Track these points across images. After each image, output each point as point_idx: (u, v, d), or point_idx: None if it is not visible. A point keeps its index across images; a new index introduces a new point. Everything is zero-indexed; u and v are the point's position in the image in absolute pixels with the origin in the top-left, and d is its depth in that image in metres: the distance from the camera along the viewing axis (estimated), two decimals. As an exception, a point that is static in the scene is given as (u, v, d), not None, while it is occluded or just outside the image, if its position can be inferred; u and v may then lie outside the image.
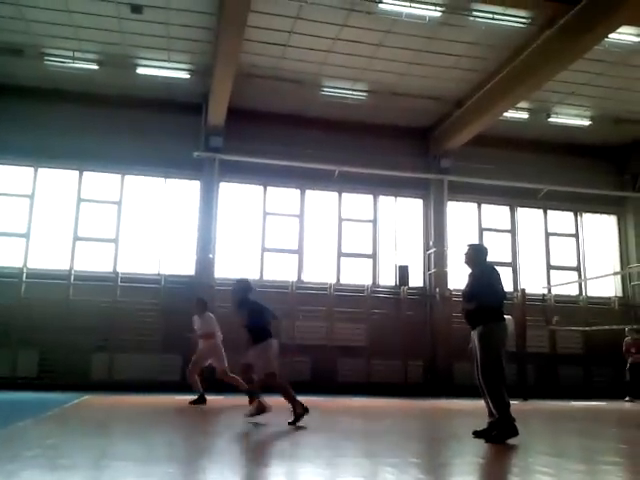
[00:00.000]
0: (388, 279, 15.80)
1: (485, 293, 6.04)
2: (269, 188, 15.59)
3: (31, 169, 14.39)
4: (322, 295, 14.90)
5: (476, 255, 6.37)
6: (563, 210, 17.34)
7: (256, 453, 5.08)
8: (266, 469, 4.43)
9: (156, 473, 4.05)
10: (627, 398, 14.17)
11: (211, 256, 14.43)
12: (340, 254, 15.64)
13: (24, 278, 13.53)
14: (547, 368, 15.52)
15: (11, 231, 14.04)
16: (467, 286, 6.28)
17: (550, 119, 15.60)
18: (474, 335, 6.19)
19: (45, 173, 14.50)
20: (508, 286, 16.38)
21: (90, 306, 13.39)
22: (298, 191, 15.74)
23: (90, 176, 14.68)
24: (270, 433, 6.60)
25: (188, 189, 15.07)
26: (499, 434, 5.83)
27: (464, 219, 16.60)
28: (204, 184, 14.79)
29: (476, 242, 6.18)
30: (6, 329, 12.87)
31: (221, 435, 6.47)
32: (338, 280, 15.42)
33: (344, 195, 16.02)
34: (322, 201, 15.90)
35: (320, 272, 15.39)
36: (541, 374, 15.40)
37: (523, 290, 14.98)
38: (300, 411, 6.82)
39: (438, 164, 16.02)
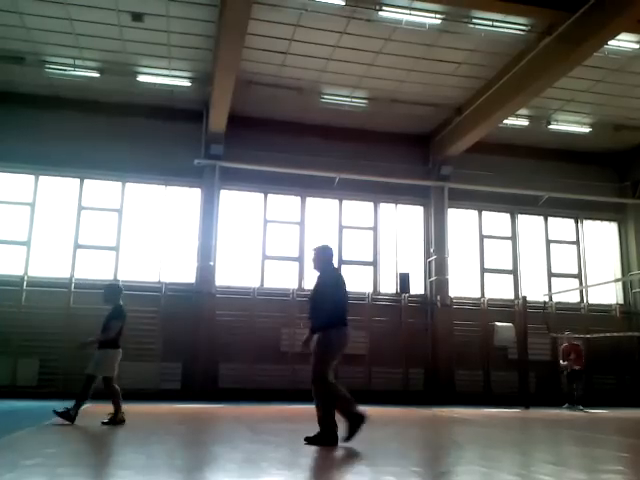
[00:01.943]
0: (389, 286, 15.78)
1: (327, 298, 5.94)
2: (270, 195, 15.60)
3: (32, 177, 14.41)
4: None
5: (319, 259, 6.31)
6: (564, 217, 17.34)
7: (256, 462, 5.05)
8: (267, 478, 4.40)
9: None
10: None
11: (212, 264, 14.42)
12: (341, 261, 15.62)
13: (25, 286, 13.52)
14: (548, 376, 15.47)
15: (12, 239, 14.04)
16: (313, 290, 6.18)
17: (550, 126, 15.62)
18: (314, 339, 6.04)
19: (46, 181, 14.52)
20: (509, 293, 16.39)
21: (91, 314, 13.29)
22: (299, 198, 15.75)
23: (91, 184, 14.70)
24: (270, 441, 6.57)
25: (189, 196, 15.08)
26: (317, 438, 5.79)
27: (465, 226, 16.60)
28: (205, 191, 14.80)
29: (322, 244, 5.95)
30: (6, 337, 12.84)
31: (221, 444, 6.44)
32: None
33: (344, 202, 16.03)
34: (323, 208, 15.91)
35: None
36: (542, 382, 15.35)
37: (524, 298, 14.96)
38: None
39: (438, 171, 16.03)
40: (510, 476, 4.69)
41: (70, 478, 4.12)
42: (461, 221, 16.59)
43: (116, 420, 7.44)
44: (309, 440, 5.80)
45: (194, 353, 13.56)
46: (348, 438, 5.80)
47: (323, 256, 6.33)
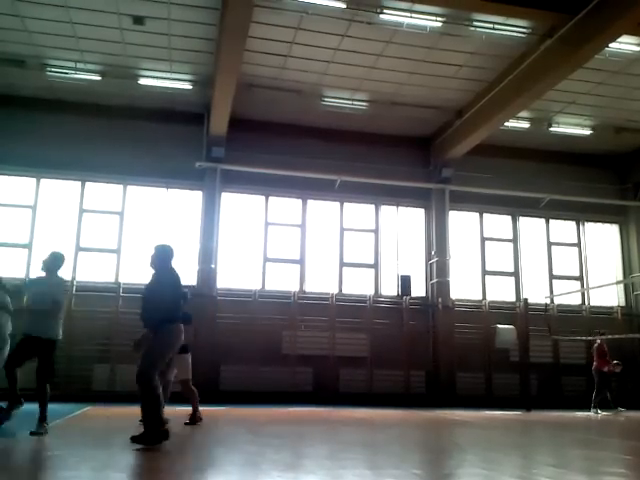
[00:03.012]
0: (390, 289, 15.77)
1: (164, 297, 5.93)
2: (271, 198, 15.61)
3: (33, 180, 14.43)
4: (324, 305, 14.88)
5: (158, 257, 6.27)
6: (565, 219, 17.33)
7: (258, 464, 5.05)
8: (268, 480, 4.40)
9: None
10: (619, 409, 14.09)
11: (213, 266, 14.42)
12: (342, 264, 15.62)
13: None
14: (550, 378, 15.45)
15: (13, 242, 14.04)
16: (146, 288, 6.12)
17: (551, 128, 15.62)
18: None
19: (47, 184, 14.53)
20: (510, 295, 16.38)
21: (92, 317, 13.38)
22: (300, 201, 15.75)
23: (92, 186, 14.72)
24: (271, 444, 6.56)
25: (190, 199, 15.09)
26: (142, 437, 5.63)
27: (466, 228, 16.60)
28: (206, 194, 14.81)
29: (163, 244, 6.00)
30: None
31: (222, 446, 6.43)
32: (340, 290, 15.39)
33: (346, 205, 16.03)
34: (324, 211, 15.91)
35: (322, 282, 15.37)
36: (544, 384, 15.33)
37: (525, 300, 14.95)
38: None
39: (439, 173, 16.03)
40: (512, 479, 4.68)
41: (71, 481, 4.10)
42: (462, 223, 16.59)
43: (196, 419, 8.20)
44: (134, 439, 5.65)
45: (195, 355, 13.47)
46: (137, 441, 5.61)
47: (162, 255, 6.30)
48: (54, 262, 7.19)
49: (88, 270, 14.23)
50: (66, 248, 14.16)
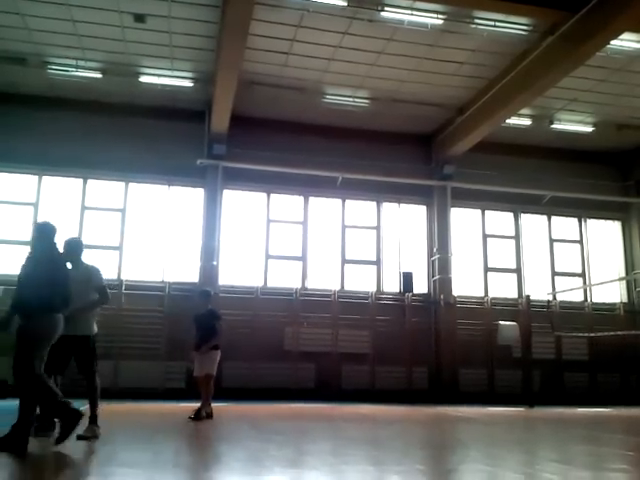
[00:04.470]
0: (392, 286, 15.78)
1: (41, 282, 5.25)
2: (272, 195, 15.61)
3: (35, 177, 14.43)
4: (326, 302, 14.90)
5: (39, 236, 5.57)
6: (567, 216, 17.31)
7: (261, 460, 5.06)
8: (271, 477, 4.42)
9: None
10: None
11: (215, 263, 14.43)
12: (344, 261, 15.63)
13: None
14: (553, 374, 15.46)
15: (14, 239, 14.04)
16: (22, 270, 5.41)
17: (553, 125, 15.60)
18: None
19: (49, 181, 14.54)
20: (512, 292, 16.38)
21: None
22: (302, 198, 15.75)
23: (94, 184, 14.73)
24: (274, 440, 6.58)
25: (192, 196, 15.10)
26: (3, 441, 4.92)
27: (468, 225, 16.59)
28: (208, 191, 14.82)
29: (44, 221, 5.45)
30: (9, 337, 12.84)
31: (225, 442, 6.45)
32: (342, 287, 15.41)
33: (347, 202, 16.03)
34: (325, 208, 15.91)
35: (324, 279, 15.39)
36: (547, 381, 15.34)
37: (528, 296, 14.95)
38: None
39: (441, 170, 16.02)
40: (515, 474, 4.70)
41: (77, 477, 4.14)
42: (464, 220, 16.58)
43: (200, 415, 8.27)
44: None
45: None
46: (62, 439, 5.16)
47: (42, 233, 5.57)
48: (76, 249, 6.41)
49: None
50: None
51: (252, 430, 7.60)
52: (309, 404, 12.66)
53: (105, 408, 8.89)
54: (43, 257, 5.45)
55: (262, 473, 4.55)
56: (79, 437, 5.60)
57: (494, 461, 5.34)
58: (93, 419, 6.04)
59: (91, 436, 5.83)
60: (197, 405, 8.53)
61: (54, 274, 5.41)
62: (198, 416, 8.24)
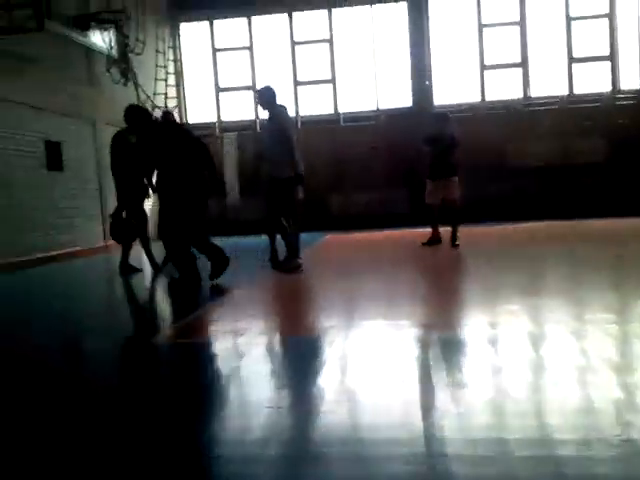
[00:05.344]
0: (632, 82, 13.74)
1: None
2: (483, -3, 14.06)
3: (244, 20, 14.67)
4: (553, 110, 13.64)
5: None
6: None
7: (495, 289, 5.10)
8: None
9: (395, 312, 4.30)
10: None
11: (427, 83, 13.88)
12: (571, 59, 13.83)
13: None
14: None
15: (236, 85, 14.76)
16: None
17: None
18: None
19: (258, 21, 14.67)
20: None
21: (317, 150, 13.88)
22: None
23: (299, 16, 14.54)
24: (507, 267, 6.53)
25: (396, 13, 14.24)
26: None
27: None
28: (411, 4, 13.88)
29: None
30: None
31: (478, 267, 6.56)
32: (570, 91, 13.84)
33: (572, -10, 13.84)
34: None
35: (548, 84, 13.96)
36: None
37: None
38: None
39: None
40: None
41: (330, 309, 4.60)
42: None
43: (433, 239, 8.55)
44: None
45: (419, 179, 13.59)
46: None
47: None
48: (268, 96, 6.74)
49: (308, 104, 14.60)
50: (284, 84, 14.64)
51: (495, 255, 7.61)
52: (538, 223, 12.08)
53: (340, 239, 9.59)
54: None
55: (498, 302, 4.60)
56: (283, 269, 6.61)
57: None
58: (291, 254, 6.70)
59: (288, 267, 6.60)
60: (426, 231, 8.70)
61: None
62: (455, 242, 8.24)
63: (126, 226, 7.02)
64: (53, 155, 9.56)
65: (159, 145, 5.84)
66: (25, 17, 7.96)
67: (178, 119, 14.45)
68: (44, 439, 2.42)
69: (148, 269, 7.42)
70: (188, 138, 6.00)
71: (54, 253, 9.22)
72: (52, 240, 9.31)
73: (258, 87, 7.74)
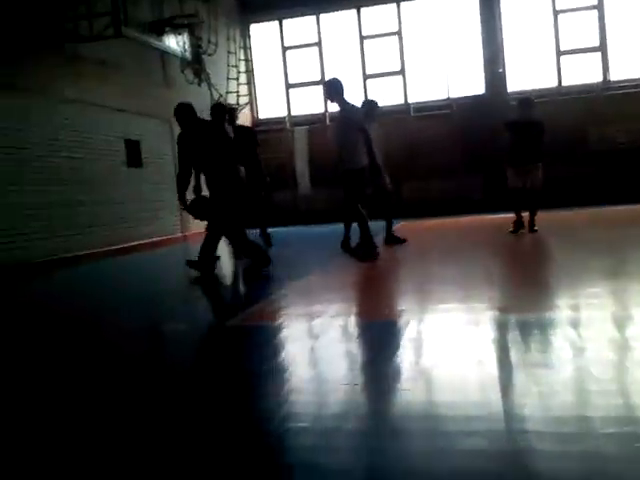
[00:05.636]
0: None
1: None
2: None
3: (313, 17, 14.76)
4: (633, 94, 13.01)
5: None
6: None
7: (577, 275, 4.95)
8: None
9: (472, 296, 4.24)
10: None
11: (500, 70, 13.55)
12: (654, 41, 13.16)
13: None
14: None
15: (307, 80, 14.87)
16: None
17: None
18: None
19: (326, 18, 14.73)
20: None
21: (388, 139, 13.75)
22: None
23: (367, 11, 14.51)
24: (589, 250, 6.32)
25: (465, 1, 13.96)
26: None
27: None
28: (482, -7, 13.59)
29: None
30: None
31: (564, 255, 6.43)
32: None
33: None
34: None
35: (630, 69, 13.32)
36: None
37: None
38: None
39: None
40: None
41: (404, 293, 4.59)
42: None
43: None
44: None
45: (494, 166, 13.26)
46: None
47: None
48: (336, 87, 6.76)
49: (377, 96, 14.51)
50: (353, 77, 14.63)
51: (575, 241, 7.39)
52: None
53: (414, 226, 9.55)
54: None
55: (573, 285, 4.47)
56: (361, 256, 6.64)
57: None
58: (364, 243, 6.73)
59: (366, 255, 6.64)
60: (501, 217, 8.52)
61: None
62: (533, 227, 8.14)
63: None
64: (133, 153, 10.05)
65: (193, 143, 5.92)
66: (104, 25, 8.38)
67: (249, 115, 14.80)
68: (133, 410, 2.56)
69: (226, 255, 7.80)
70: (220, 135, 6.13)
71: (135, 243, 9.78)
72: (134, 231, 9.89)
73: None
